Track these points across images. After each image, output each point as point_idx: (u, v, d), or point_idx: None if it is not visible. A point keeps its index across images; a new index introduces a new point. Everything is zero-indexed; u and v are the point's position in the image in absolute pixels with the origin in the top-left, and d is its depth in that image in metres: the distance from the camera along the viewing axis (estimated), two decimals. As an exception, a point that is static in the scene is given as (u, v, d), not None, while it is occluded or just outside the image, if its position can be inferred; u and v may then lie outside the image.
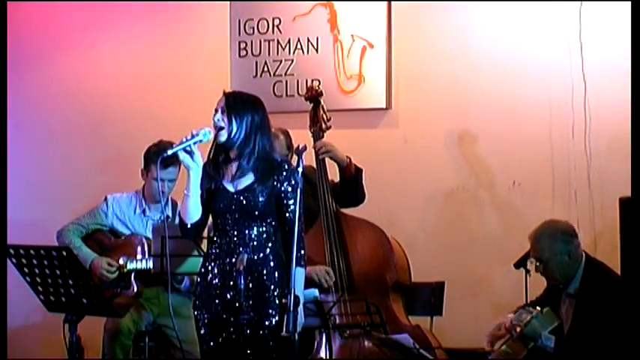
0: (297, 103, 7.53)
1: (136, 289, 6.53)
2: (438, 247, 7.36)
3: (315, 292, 5.86)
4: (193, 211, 5.09)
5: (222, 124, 5.14)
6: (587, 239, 6.78)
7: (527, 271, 6.22)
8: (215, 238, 5.17)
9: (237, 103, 5.22)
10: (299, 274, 5.06)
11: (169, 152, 5.03)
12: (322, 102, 6.54)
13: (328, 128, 6.51)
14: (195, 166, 5.06)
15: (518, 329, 5.80)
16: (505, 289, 6.45)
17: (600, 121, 7.16)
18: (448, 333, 6.57)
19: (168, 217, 6.71)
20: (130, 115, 8.06)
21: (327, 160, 6.46)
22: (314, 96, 6.55)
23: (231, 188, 5.18)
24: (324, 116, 6.52)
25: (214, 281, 5.15)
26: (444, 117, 7.52)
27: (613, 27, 7.19)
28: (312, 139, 6.48)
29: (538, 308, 5.89)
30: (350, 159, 6.48)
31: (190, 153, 5.04)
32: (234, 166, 5.20)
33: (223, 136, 5.13)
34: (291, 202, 5.18)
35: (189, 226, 5.12)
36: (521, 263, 6.28)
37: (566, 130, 7.24)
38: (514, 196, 7.38)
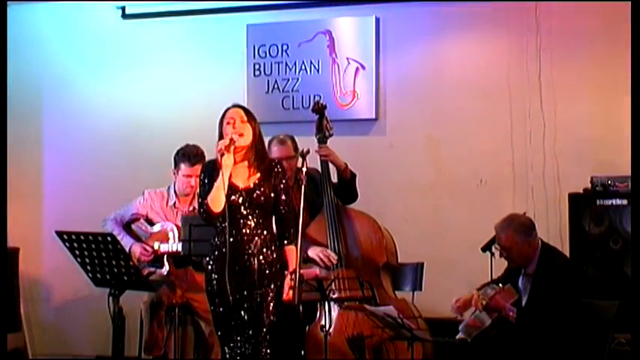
0: (302, 114, 7.55)
1: (168, 269, 6.51)
2: (419, 233, 7.34)
3: (316, 269, 5.90)
4: (220, 202, 5.09)
5: (243, 131, 5.16)
6: (542, 228, 6.74)
7: (492, 254, 6.19)
8: (225, 227, 5.13)
9: (250, 114, 5.25)
10: (294, 250, 5.09)
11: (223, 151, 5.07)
12: (326, 114, 6.56)
13: (331, 135, 6.50)
14: (229, 165, 5.08)
15: (484, 302, 5.80)
16: (474, 269, 6.42)
17: (553, 129, 7.15)
18: (427, 305, 6.53)
19: (194, 208, 6.73)
20: (160, 126, 8.01)
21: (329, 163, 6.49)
22: (320, 109, 6.55)
23: (240, 185, 5.20)
24: (328, 125, 6.51)
25: (225, 265, 5.12)
26: (424, 126, 7.52)
27: (565, 50, 7.20)
28: (317, 143, 6.50)
29: (501, 285, 5.89)
30: (346, 165, 6.50)
31: (224, 155, 5.06)
32: (243, 165, 5.22)
33: (244, 141, 5.16)
34: (283, 196, 5.20)
35: (215, 213, 5.10)
36: (487, 247, 6.24)
37: (525, 136, 7.24)
38: (481, 192, 7.38)
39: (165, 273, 6.52)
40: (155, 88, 8.13)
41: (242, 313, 5.13)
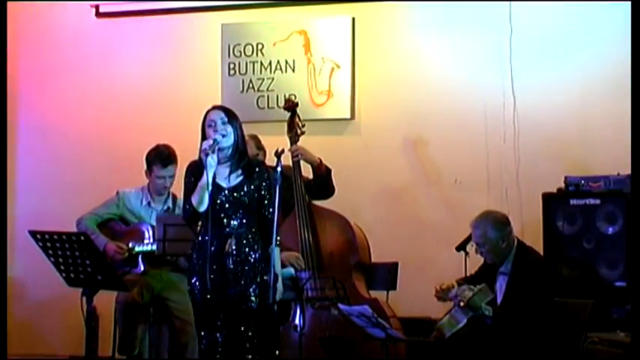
0: (277, 114, 7.52)
1: (142, 268, 6.50)
2: (394, 233, 7.35)
3: (291, 270, 5.90)
4: (204, 201, 5.12)
5: (225, 133, 5.18)
6: (516, 227, 6.74)
7: (467, 254, 6.24)
8: (207, 226, 5.16)
9: (231, 114, 5.27)
10: (277, 253, 5.10)
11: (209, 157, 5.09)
12: (298, 112, 6.56)
13: (302, 134, 6.52)
14: (211, 166, 5.11)
15: (462, 303, 5.81)
16: (448, 268, 6.45)
17: (527, 130, 7.18)
18: (401, 304, 6.57)
19: (169, 208, 6.72)
20: (134, 125, 7.98)
21: (301, 160, 6.49)
22: (291, 107, 6.56)
23: (224, 184, 5.21)
24: (299, 124, 6.53)
25: (206, 263, 5.15)
26: (399, 126, 7.52)
27: (538, 52, 7.24)
28: (289, 142, 6.50)
29: (478, 286, 5.90)
30: (321, 160, 6.50)
31: (208, 155, 5.10)
32: (226, 166, 5.23)
33: (227, 142, 5.18)
34: (267, 196, 5.22)
35: (199, 212, 5.14)
36: (461, 247, 6.29)
37: (499, 137, 7.25)
38: (456, 192, 7.38)
39: (139, 272, 6.51)
40: (129, 87, 8.11)
41: (219, 313, 5.14)
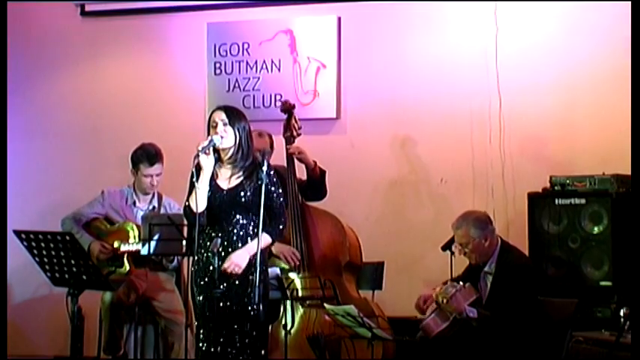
0: (263, 113, 7.55)
1: (128, 268, 6.50)
2: (380, 232, 7.36)
3: (277, 270, 5.90)
4: (202, 202, 5.10)
5: (224, 135, 5.17)
6: (501, 226, 6.82)
7: (452, 253, 6.24)
8: (207, 229, 5.17)
9: (234, 116, 5.24)
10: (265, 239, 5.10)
11: (202, 152, 5.07)
12: (294, 113, 6.56)
13: (299, 135, 6.51)
14: (208, 166, 5.12)
15: (445, 301, 5.83)
16: (434, 267, 6.45)
17: (513, 128, 7.19)
18: (387, 304, 6.57)
19: (154, 207, 6.71)
20: (120, 124, 7.96)
21: (295, 161, 6.48)
22: (288, 108, 6.55)
23: (224, 185, 5.20)
24: (296, 125, 6.52)
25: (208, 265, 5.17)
26: (384, 125, 7.52)
27: (523, 52, 7.25)
28: (284, 142, 6.49)
29: (461, 283, 5.92)
30: (315, 162, 6.51)
31: (200, 155, 5.09)
32: (226, 166, 5.23)
33: (227, 144, 5.17)
34: (276, 192, 5.21)
35: (197, 213, 5.11)
36: (447, 246, 6.28)
37: (485, 136, 7.25)
38: (442, 191, 7.38)
39: (125, 272, 6.49)
40: (115, 86, 8.09)
41: (207, 312, 5.15)
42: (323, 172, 6.52)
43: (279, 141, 6.56)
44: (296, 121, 6.51)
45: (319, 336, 6.00)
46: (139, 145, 6.66)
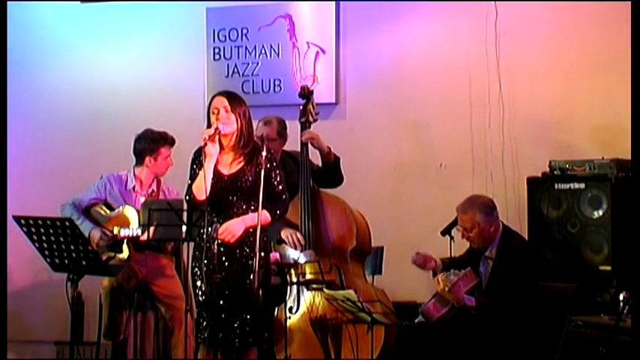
0: (262, 98, 7.55)
1: (127, 253, 6.50)
2: (379, 217, 7.29)
3: (276, 255, 5.90)
4: (204, 189, 5.10)
5: (227, 121, 5.16)
6: (501, 211, 6.73)
7: (452, 238, 6.26)
8: (207, 214, 5.17)
9: (236, 102, 5.23)
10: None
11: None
12: (312, 99, 6.51)
13: (315, 121, 6.46)
14: (213, 154, 5.12)
15: (447, 288, 5.83)
16: (434, 252, 6.42)
17: (512, 114, 7.18)
18: (387, 289, 6.56)
19: (153, 191, 6.69)
20: (119, 110, 7.95)
21: (309, 147, 6.46)
22: (306, 94, 6.51)
23: (225, 171, 5.20)
24: (313, 111, 6.48)
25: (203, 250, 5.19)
26: (383, 110, 7.52)
27: (523, 35, 7.23)
28: (300, 127, 6.47)
29: (463, 270, 5.91)
30: (330, 148, 6.48)
31: (208, 144, 5.11)
32: (227, 152, 5.22)
33: (228, 130, 5.17)
34: (276, 177, 5.20)
35: (198, 200, 5.15)
36: (446, 231, 6.30)
37: (484, 121, 7.25)
38: (441, 176, 7.39)
39: (124, 257, 6.49)
40: (114, 72, 8.07)
41: (207, 297, 5.17)
42: (337, 158, 6.50)
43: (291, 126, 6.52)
44: (313, 107, 6.46)
45: (323, 320, 6.01)
46: (147, 131, 6.62)
